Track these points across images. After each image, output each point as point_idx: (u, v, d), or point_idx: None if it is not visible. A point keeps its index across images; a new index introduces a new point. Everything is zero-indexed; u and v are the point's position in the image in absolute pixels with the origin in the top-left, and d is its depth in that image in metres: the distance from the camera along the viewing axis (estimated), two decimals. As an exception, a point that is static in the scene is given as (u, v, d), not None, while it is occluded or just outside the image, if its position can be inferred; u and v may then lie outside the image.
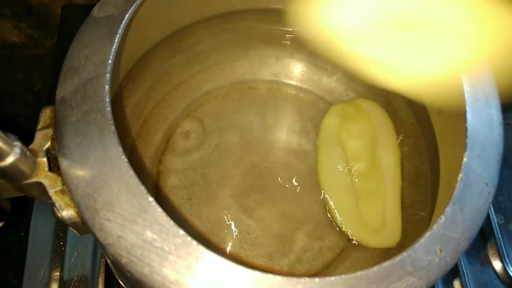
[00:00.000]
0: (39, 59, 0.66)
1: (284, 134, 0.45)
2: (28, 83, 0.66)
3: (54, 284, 0.42)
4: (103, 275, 0.43)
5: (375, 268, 0.24)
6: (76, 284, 0.43)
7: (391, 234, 0.38)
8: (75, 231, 0.27)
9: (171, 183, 0.41)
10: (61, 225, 0.45)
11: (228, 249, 0.39)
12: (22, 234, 0.48)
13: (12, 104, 0.64)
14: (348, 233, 0.40)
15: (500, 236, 0.48)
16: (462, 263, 0.46)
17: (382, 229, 0.39)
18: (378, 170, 0.41)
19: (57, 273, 0.43)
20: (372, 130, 0.43)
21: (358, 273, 0.23)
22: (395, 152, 0.42)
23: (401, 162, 0.42)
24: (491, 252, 0.48)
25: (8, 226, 0.48)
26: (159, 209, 0.23)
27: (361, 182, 0.41)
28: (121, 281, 0.37)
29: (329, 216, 0.41)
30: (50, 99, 0.56)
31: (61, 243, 0.44)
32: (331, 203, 0.41)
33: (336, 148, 0.42)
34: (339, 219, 0.40)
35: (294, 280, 0.23)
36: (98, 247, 0.44)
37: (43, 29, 0.63)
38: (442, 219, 0.26)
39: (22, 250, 0.44)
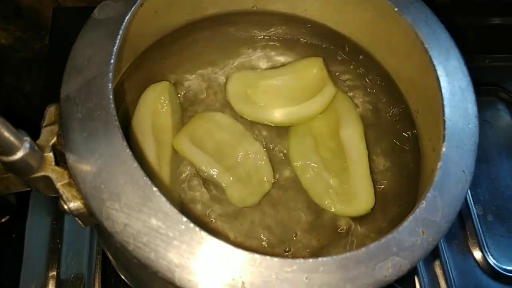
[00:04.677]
0: (28, 62, 0.66)
1: (274, 131, 0.47)
2: (18, 85, 0.66)
3: (51, 283, 0.43)
4: (100, 272, 0.44)
5: (363, 249, 0.26)
6: (72, 281, 0.43)
7: (364, 201, 0.41)
8: (80, 222, 0.28)
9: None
10: (57, 223, 0.45)
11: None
12: (14, 235, 0.48)
13: (2, 107, 0.64)
14: (325, 208, 0.42)
15: (479, 226, 0.51)
16: (444, 252, 0.49)
17: (355, 198, 0.41)
18: (344, 145, 0.43)
19: (54, 272, 0.43)
20: (334, 110, 0.45)
21: (348, 254, 0.25)
22: (357, 127, 0.44)
23: (378, 154, 0.44)
24: (471, 242, 0.51)
25: (4, 226, 0.48)
26: (163, 198, 0.25)
27: (332, 160, 0.44)
28: (122, 275, 0.38)
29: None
30: (41, 101, 0.56)
31: (58, 241, 0.45)
32: (305, 184, 0.43)
33: (306, 135, 0.45)
34: (314, 197, 0.42)
35: (289, 261, 0.25)
36: (95, 244, 0.45)
37: (32, 31, 0.63)
38: (424, 203, 0.28)
39: (17, 250, 0.44)
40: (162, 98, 0.43)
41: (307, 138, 0.44)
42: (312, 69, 0.46)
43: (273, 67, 0.49)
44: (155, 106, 0.42)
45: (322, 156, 0.44)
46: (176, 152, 0.43)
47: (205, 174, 0.42)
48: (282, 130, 0.46)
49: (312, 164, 0.43)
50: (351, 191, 0.42)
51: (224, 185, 0.41)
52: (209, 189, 0.43)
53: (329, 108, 0.46)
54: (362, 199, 0.41)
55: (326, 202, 0.42)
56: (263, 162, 0.43)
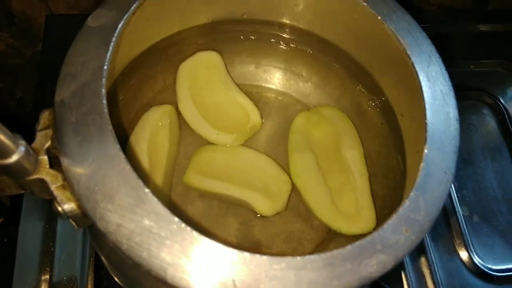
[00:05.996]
0: (20, 68, 0.66)
1: (265, 134, 0.48)
2: (10, 91, 0.66)
3: (44, 286, 0.43)
4: (93, 275, 0.44)
5: (349, 247, 0.27)
6: (65, 284, 0.44)
7: (366, 221, 0.42)
8: (74, 224, 0.29)
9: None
10: (50, 227, 0.46)
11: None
12: (5, 239, 0.48)
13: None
14: (328, 224, 0.43)
15: (465, 227, 0.52)
16: (431, 252, 0.50)
17: (357, 217, 0.42)
18: (346, 166, 0.45)
19: (47, 275, 0.44)
20: (336, 133, 0.47)
21: (334, 252, 0.26)
22: (358, 148, 0.46)
23: (365, 157, 0.46)
24: (457, 242, 0.52)
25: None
26: (156, 200, 0.26)
27: (332, 178, 0.45)
28: (115, 276, 0.39)
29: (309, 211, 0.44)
30: (33, 106, 0.57)
31: (50, 244, 0.45)
32: (308, 200, 0.44)
33: (306, 151, 0.46)
34: (317, 213, 0.43)
35: (278, 259, 0.25)
36: (88, 247, 0.45)
37: (24, 38, 0.64)
38: (407, 203, 0.29)
39: (10, 254, 0.45)
40: (162, 121, 0.44)
41: (308, 153, 0.46)
42: (248, 119, 0.48)
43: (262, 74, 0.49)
44: (154, 128, 0.43)
45: (323, 172, 0.45)
46: (169, 171, 0.44)
47: (227, 197, 0.43)
48: (280, 142, 0.48)
49: (314, 180, 0.45)
50: (354, 210, 0.43)
51: (249, 202, 0.43)
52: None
53: (328, 126, 0.47)
54: (365, 219, 0.42)
55: (329, 220, 0.43)
56: (274, 170, 0.45)
